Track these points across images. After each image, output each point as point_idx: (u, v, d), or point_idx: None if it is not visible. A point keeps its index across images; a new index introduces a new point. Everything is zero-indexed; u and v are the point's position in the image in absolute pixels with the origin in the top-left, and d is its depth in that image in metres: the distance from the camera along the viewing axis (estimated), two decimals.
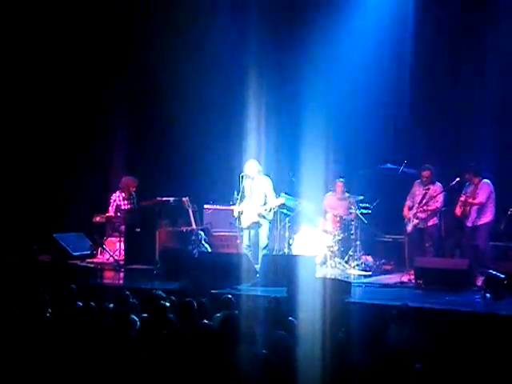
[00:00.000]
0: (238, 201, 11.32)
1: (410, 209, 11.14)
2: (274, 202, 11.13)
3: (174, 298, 7.69)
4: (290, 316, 6.90)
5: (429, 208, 10.97)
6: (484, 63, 11.81)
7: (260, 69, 12.51)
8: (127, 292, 8.02)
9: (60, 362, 6.03)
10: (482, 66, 11.80)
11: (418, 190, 11.17)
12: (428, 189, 11.04)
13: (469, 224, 10.69)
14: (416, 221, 11.04)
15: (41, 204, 13.41)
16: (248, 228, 11.32)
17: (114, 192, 12.60)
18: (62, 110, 13.58)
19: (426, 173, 11.04)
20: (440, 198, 11.00)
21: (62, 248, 11.93)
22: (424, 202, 11.00)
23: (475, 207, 10.61)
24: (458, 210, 10.72)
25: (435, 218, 11.06)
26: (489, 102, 11.81)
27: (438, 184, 11.06)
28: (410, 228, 11.12)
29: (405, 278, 10.50)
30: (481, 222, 10.61)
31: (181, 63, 12.77)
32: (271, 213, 11.24)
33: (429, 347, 6.78)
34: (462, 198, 10.65)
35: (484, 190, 10.61)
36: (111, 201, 12.54)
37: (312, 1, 12.73)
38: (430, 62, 12.17)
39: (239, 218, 11.35)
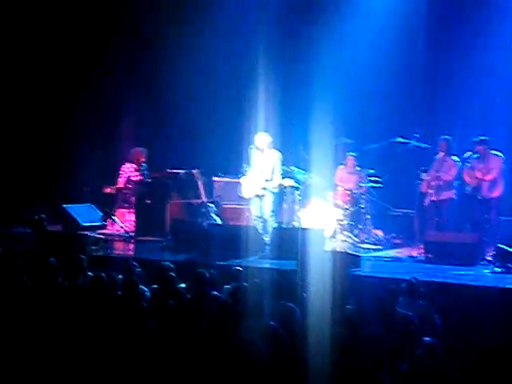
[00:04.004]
0: (248, 173, 11.35)
1: (429, 185, 11.11)
2: (279, 181, 11.20)
3: (183, 269, 7.72)
4: (300, 289, 6.91)
5: (442, 178, 10.92)
6: (497, 35, 11.71)
7: (271, 42, 12.43)
8: (134, 262, 8.06)
9: (70, 333, 6.06)
10: (494, 38, 11.70)
11: (436, 164, 11.12)
12: (445, 160, 11.01)
13: (479, 197, 10.66)
14: (430, 191, 11.01)
15: (51, 175, 13.45)
16: (250, 198, 11.38)
17: (124, 164, 12.61)
18: (73, 82, 13.58)
19: (441, 143, 11.01)
20: (454, 170, 10.95)
21: (72, 219, 11.95)
22: (438, 170, 10.95)
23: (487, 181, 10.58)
24: (471, 181, 10.68)
25: (450, 192, 11.00)
26: (500, 74, 11.72)
27: (454, 157, 11.01)
28: (427, 201, 11.09)
29: (414, 252, 10.49)
30: (492, 195, 10.61)
31: (191, 35, 12.72)
32: (277, 189, 11.31)
33: (437, 321, 6.79)
34: (479, 175, 10.57)
35: (496, 165, 10.57)
36: (121, 172, 12.54)
37: None
38: (442, 34, 12.05)
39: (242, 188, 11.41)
